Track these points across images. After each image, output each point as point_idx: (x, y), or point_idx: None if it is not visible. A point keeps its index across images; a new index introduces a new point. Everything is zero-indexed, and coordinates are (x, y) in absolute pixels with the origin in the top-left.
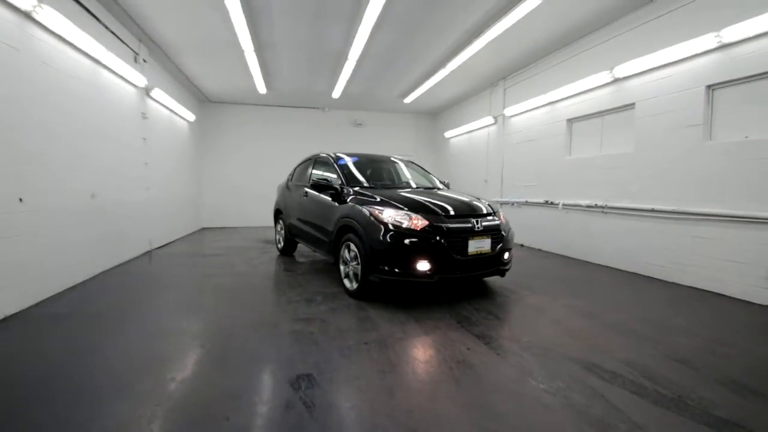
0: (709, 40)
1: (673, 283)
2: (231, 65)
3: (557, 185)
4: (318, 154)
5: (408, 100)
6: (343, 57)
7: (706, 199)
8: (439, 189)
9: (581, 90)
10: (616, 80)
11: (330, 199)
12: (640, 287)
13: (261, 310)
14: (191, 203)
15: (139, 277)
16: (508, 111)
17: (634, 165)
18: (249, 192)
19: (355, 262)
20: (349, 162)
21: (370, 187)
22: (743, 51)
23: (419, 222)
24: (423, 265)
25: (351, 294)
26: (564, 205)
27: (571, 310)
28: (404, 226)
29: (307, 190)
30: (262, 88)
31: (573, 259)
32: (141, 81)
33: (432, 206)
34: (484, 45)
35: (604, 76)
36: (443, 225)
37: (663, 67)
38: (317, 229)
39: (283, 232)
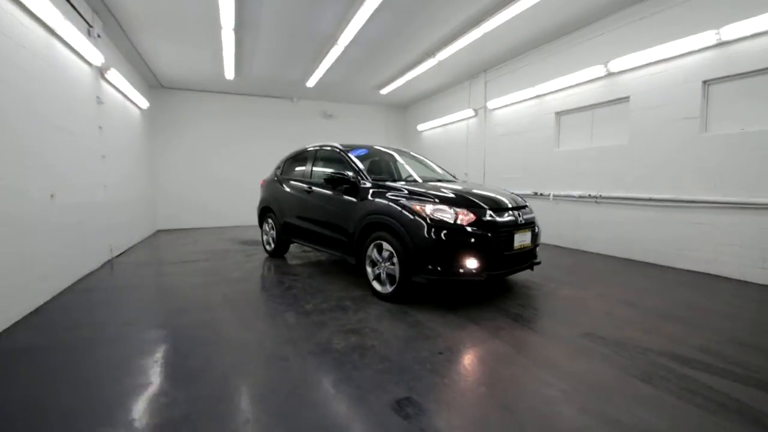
0: (708, 38)
1: (669, 267)
2: (201, 45)
3: (546, 177)
4: (321, 146)
5: (385, 91)
6: (331, 42)
7: (703, 187)
8: (457, 181)
9: (573, 83)
10: (610, 74)
11: (345, 195)
12: (645, 273)
13: (297, 326)
14: (147, 203)
15: (115, 292)
16: (492, 104)
17: (628, 156)
18: (210, 190)
19: (388, 263)
20: (362, 154)
21: (393, 181)
22: (740, 48)
23: (466, 217)
24: (472, 263)
25: (384, 297)
26: (555, 196)
27: (608, 300)
28: (451, 221)
29: (312, 185)
30: (230, 73)
31: (565, 248)
32: (97, 58)
33: (475, 200)
34: (480, 36)
35: (598, 70)
36: (491, 219)
37: (659, 62)
38: (330, 227)
39: (273, 232)
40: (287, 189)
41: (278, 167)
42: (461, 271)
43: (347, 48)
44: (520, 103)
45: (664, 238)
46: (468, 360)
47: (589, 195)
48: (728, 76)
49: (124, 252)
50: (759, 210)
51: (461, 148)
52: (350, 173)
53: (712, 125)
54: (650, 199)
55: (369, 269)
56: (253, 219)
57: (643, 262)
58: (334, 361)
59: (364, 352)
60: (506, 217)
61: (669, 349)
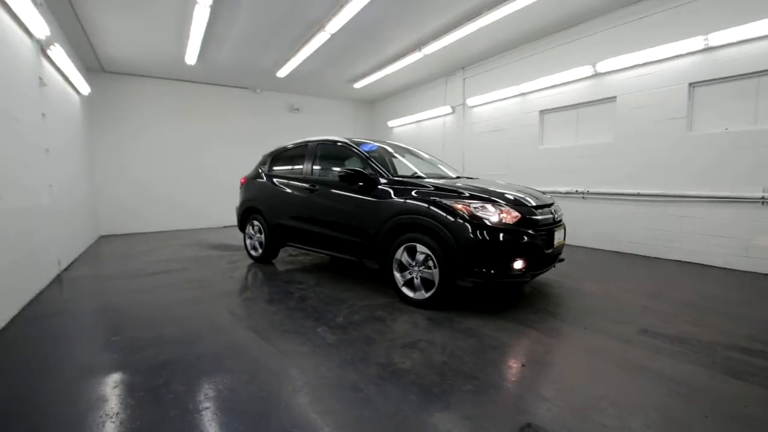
0: (697, 43)
1: (657, 258)
2: (163, 21)
3: (530, 174)
4: (323, 140)
5: (360, 84)
6: (317, 28)
7: (690, 182)
8: (472, 178)
9: (559, 82)
10: (597, 74)
11: (363, 194)
12: (642, 265)
13: (341, 344)
14: (90, 205)
15: (81, 318)
16: (472, 101)
17: (614, 154)
18: (160, 190)
19: (422, 267)
20: (373, 150)
21: (417, 177)
22: (725, 54)
23: (511, 215)
24: (519, 263)
25: (417, 304)
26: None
27: (634, 294)
28: (496, 220)
29: (316, 183)
30: (192, 57)
31: None
32: (42, 30)
33: (517, 197)
34: (475, 30)
35: (586, 70)
36: (534, 217)
37: (647, 64)
38: (342, 229)
39: (261, 235)
40: (280, 188)
41: (263, 163)
42: (510, 272)
43: (334, 35)
44: (503, 101)
45: (651, 231)
46: (559, 372)
47: (576, 191)
48: (713, 80)
49: (71, 264)
50: (742, 203)
51: (436, 145)
52: (367, 170)
53: (698, 125)
54: (638, 195)
55: (397, 274)
56: (214, 220)
57: (631, 254)
58: (414, 384)
59: (441, 371)
60: (546, 215)
61: (730, 342)
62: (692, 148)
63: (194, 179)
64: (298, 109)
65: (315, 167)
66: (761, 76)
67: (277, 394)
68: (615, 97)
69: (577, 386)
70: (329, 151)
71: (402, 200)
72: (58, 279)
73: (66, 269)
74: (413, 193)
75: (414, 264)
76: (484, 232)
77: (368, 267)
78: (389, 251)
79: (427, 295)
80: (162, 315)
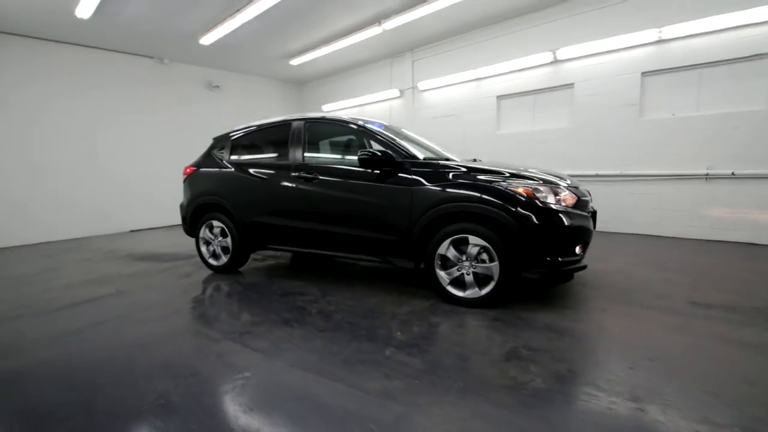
0: (651, 35)
1: (617, 233)
2: None
3: (488, 159)
4: (315, 119)
5: (297, 61)
6: None
7: (643, 163)
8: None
9: (518, 68)
10: (556, 61)
11: (388, 181)
12: (612, 239)
13: (433, 366)
14: None
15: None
16: (423, 84)
17: (572, 138)
18: (44, 186)
19: (473, 261)
20: (382, 128)
21: (446, 160)
22: (675, 47)
23: (570, 197)
24: (578, 249)
25: (469, 303)
26: None
27: (645, 268)
28: (558, 203)
29: (314, 171)
30: (88, 8)
31: None
32: None
33: (565, 180)
34: (447, 5)
35: (546, 57)
36: (584, 198)
37: (604, 53)
38: (361, 225)
39: (227, 239)
40: (256, 178)
41: (219, 148)
42: (573, 259)
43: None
44: (458, 86)
45: (611, 208)
46: (684, 363)
47: None
48: (663, 70)
49: None
50: (689, 180)
51: None
52: (390, 152)
53: (648, 111)
54: (597, 175)
55: (441, 272)
56: (116, 223)
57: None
58: (584, 409)
59: (585, 381)
60: (587, 198)
61: None
62: (644, 132)
63: (86, 171)
64: (218, 87)
65: (307, 152)
66: (703, 68)
67: None
68: (573, 84)
69: (714, 377)
70: (326, 132)
71: (439, 188)
72: None
73: None
74: (451, 177)
75: (465, 258)
76: (553, 216)
77: (395, 266)
78: (428, 247)
79: (484, 292)
80: (130, 380)
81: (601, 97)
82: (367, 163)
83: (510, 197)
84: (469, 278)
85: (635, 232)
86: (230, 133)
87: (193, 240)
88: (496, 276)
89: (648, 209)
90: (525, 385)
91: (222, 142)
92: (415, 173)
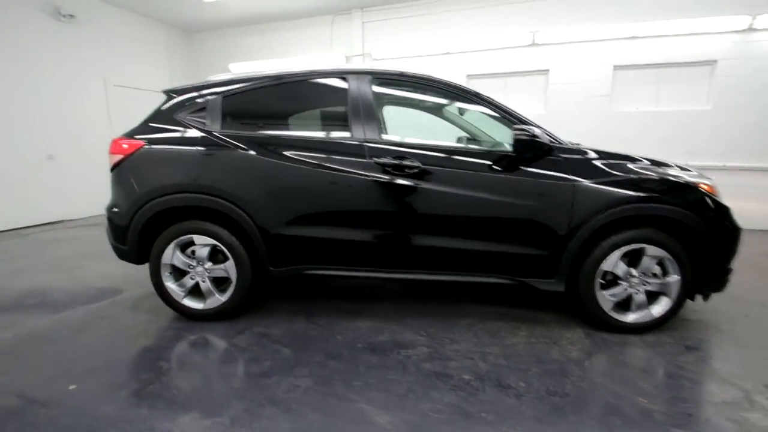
0: (625, 29)
1: None
2: None
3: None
4: (399, 74)
5: None
6: None
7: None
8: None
9: (493, 47)
10: (534, 44)
11: (529, 175)
12: None
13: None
14: None
15: None
16: (378, 53)
17: (545, 125)
18: None
19: (648, 278)
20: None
21: (575, 144)
22: (643, 44)
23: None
24: None
25: (631, 330)
26: None
27: None
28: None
29: (422, 160)
30: None
31: None
32: None
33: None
34: None
35: (525, 38)
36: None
37: (580, 42)
38: (485, 234)
39: (229, 263)
40: (297, 165)
41: (189, 110)
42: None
43: None
44: (423, 58)
45: None
46: None
47: None
48: (632, 65)
49: None
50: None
51: None
52: (536, 131)
53: (617, 103)
54: None
55: (605, 293)
56: None
57: None
58: None
59: None
60: None
61: None
62: (614, 123)
63: None
64: (72, 16)
65: (386, 129)
66: (661, 68)
67: None
68: (548, 69)
69: None
70: (408, 96)
71: (604, 182)
72: None
73: None
74: (601, 166)
75: (636, 275)
76: (730, 216)
77: (540, 289)
78: (584, 261)
79: (657, 314)
80: None
81: (576, 85)
82: (525, 145)
83: (698, 195)
84: (641, 298)
85: None
86: (214, 85)
87: (136, 266)
88: (673, 294)
89: None
90: None
91: (196, 100)
92: (569, 162)
